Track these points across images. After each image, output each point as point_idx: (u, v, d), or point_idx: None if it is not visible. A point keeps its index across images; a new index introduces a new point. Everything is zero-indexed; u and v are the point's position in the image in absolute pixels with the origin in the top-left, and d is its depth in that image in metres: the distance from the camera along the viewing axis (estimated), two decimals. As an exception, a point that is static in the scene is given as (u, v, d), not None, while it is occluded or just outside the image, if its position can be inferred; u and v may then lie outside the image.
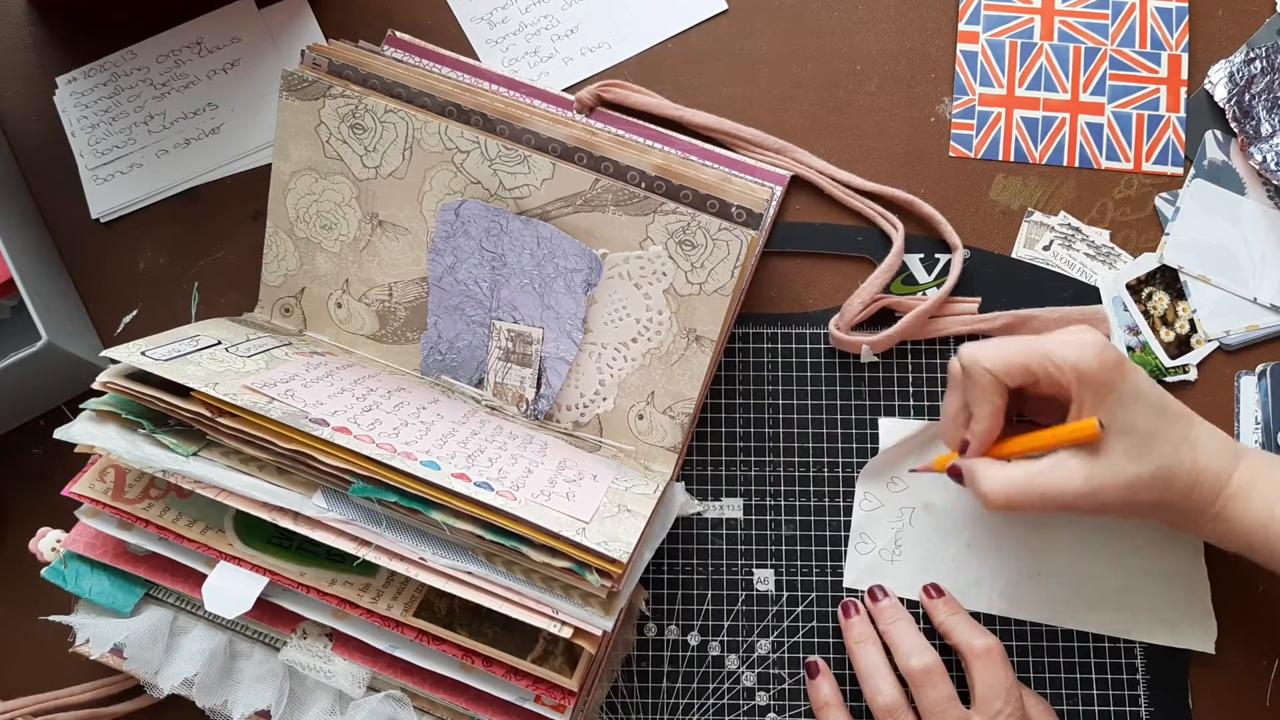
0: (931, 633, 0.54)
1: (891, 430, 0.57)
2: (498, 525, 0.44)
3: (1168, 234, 0.59)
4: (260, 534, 0.48)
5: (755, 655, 0.56)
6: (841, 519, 0.57)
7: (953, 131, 0.61)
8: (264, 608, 0.47)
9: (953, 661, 0.54)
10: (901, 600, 0.55)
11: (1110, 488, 0.46)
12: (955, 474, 0.51)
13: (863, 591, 0.56)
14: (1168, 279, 0.59)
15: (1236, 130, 0.59)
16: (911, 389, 0.58)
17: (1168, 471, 0.46)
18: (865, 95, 0.61)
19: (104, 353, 0.46)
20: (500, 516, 0.44)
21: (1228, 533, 0.48)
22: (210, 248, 0.61)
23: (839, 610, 0.55)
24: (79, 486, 0.48)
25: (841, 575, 0.56)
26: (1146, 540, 0.55)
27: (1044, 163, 0.60)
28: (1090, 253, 0.59)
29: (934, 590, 0.54)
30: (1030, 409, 0.52)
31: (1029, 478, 0.47)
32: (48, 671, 0.56)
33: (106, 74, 0.62)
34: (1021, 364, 0.47)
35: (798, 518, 0.57)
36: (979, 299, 0.58)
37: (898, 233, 0.58)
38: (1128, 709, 0.55)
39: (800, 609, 0.56)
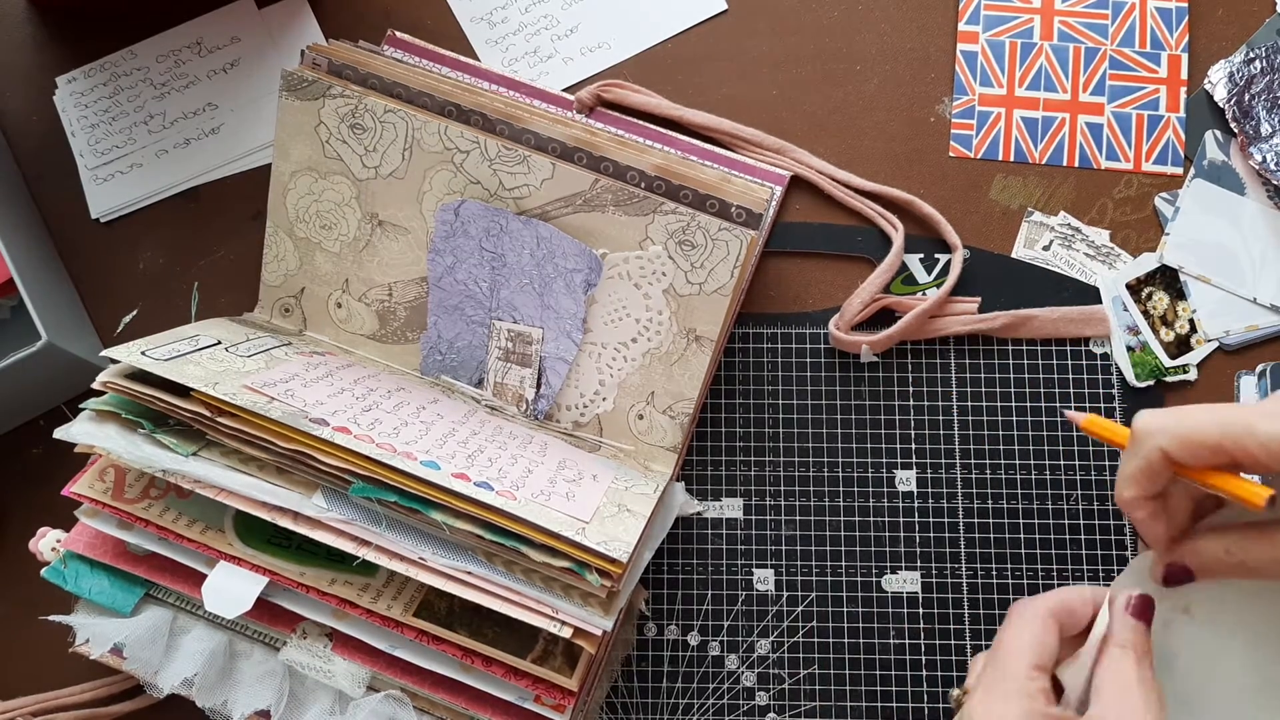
0: None
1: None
2: (498, 525, 0.44)
3: (1167, 234, 0.59)
4: (260, 534, 0.48)
5: (755, 655, 0.56)
6: (841, 519, 0.57)
7: (953, 131, 0.61)
8: (264, 608, 0.47)
9: None
10: None
11: None
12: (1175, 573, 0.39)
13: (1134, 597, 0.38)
14: (1168, 279, 0.59)
15: (1236, 130, 0.59)
16: (911, 389, 0.58)
17: None
18: (865, 95, 0.61)
19: (104, 353, 0.46)
20: (500, 516, 0.44)
21: None
22: (210, 248, 0.61)
23: (1126, 604, 0.38)
24: (79, 486, 0.48)
25: (841, 575, 0.56)
26: None
27: (1044, 163, 0.60)
28: (1090, 253, 0.59)
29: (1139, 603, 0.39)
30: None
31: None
32: (48, 671, 0.56)
33: (106, 74, 0.62)
34: (1214, 443, 0.35)
35: (798, 518, 0.57)
36: (979, 299, 0.58)
37: (897, 233, 0.58)
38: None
39: (800, 609, 0.56)
